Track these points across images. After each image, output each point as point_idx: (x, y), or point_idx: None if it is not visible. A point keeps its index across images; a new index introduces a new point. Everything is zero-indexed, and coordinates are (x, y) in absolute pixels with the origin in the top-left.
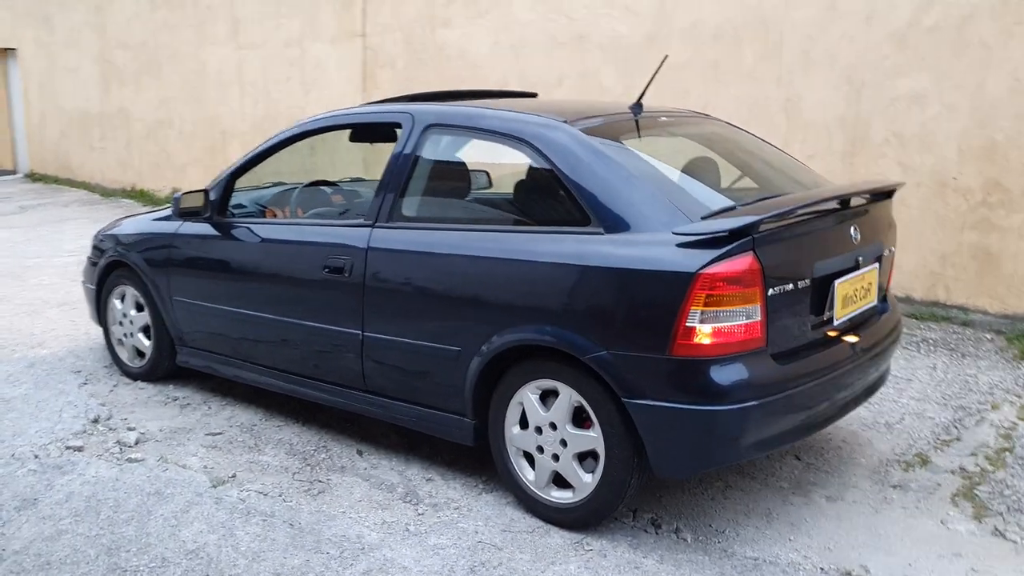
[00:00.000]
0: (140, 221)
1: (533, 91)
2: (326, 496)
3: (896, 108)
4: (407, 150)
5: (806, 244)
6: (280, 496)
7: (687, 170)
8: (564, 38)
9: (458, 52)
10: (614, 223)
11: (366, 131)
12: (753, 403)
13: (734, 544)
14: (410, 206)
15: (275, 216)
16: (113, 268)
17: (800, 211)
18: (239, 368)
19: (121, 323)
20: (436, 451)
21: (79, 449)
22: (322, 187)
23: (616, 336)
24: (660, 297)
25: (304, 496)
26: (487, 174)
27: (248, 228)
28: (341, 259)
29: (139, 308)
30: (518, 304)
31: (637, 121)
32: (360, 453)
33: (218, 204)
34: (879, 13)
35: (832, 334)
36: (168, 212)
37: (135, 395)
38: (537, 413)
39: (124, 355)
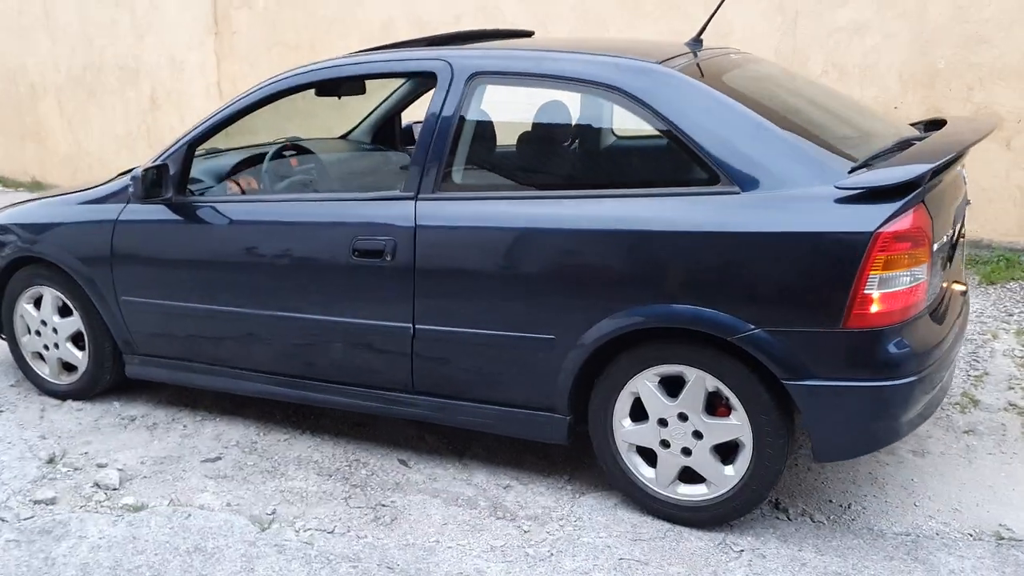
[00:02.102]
0: (57, 206)
1: (526, 29)
2: (402, 524)
3: (836, 39)
4: (449, 106)
5: (948, 192)
6: (349, 531)
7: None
8: None
9: None
10: (751, 180)
11: (344, 84)
12: (922, 373)
13: (870, 519)
14: (464, 173)
15: (241, 190)
16: (18, 266)
17: (955, 156)
18: (221, 376)
19: (39, 333)
20: (490, 451)
21: (52, 502)
22: (294, 151)
23: (772, 311)
24: (831, 263)
25: (378, 528)
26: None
27: (228, 209)
28: (378, 240)
29: (63, 313)
30: (636, 282)
31: (720, 61)
32: (404, 463)
33: (178, 180)
34: None
35: (944, 285)
36: (95, 192)
37: (77, 420)
38: (659, 403)
39: (45, 371)
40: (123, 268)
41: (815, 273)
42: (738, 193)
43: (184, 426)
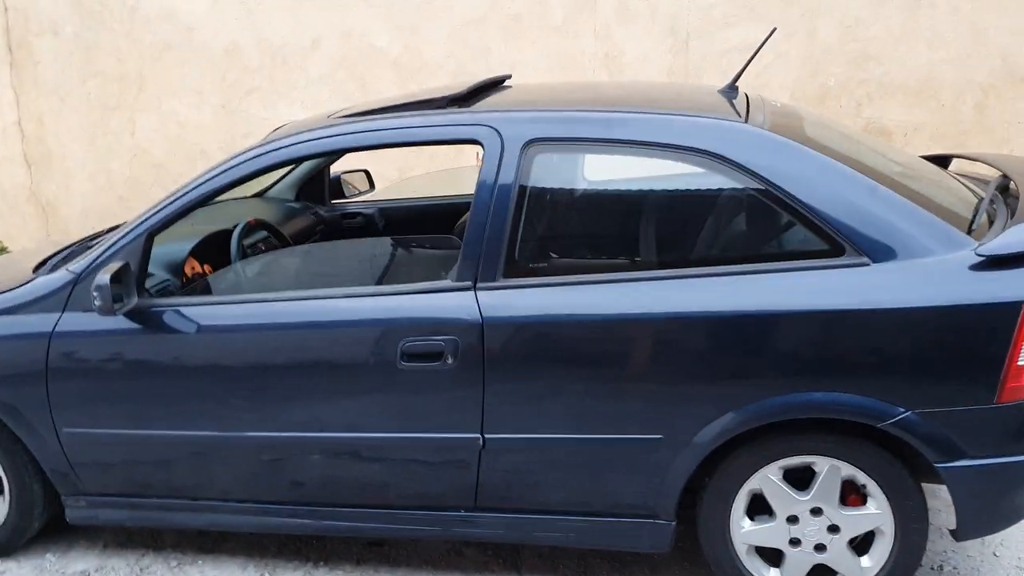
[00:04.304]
0: None
1: (501, 74)
2: None
3: (728, 59)
4: (505, 179)
5: None
6: None
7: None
8: None
9: (162, 12)
10: (881, 250)
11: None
12: None
13: None
14: (534, 256)
15: (200, 277)
16: None
17: None
18: (210, 513)
19: None
20: (545, 558)
21: None
22: (262, 231)
23: (921, 392)
24: (983, 336)
25: None
26: (366, 173)
27: (216, 313)
28: (434, 341)
29: None
30: (765, 370)
31: (782, 113)
32: None
33: (136, 280)
34: None
35: None
36: (6, 299)
37: None
38: (789, 499)
39: None
40: (65, 393)
41: (967, 347)
42: (868, 265)
43: None
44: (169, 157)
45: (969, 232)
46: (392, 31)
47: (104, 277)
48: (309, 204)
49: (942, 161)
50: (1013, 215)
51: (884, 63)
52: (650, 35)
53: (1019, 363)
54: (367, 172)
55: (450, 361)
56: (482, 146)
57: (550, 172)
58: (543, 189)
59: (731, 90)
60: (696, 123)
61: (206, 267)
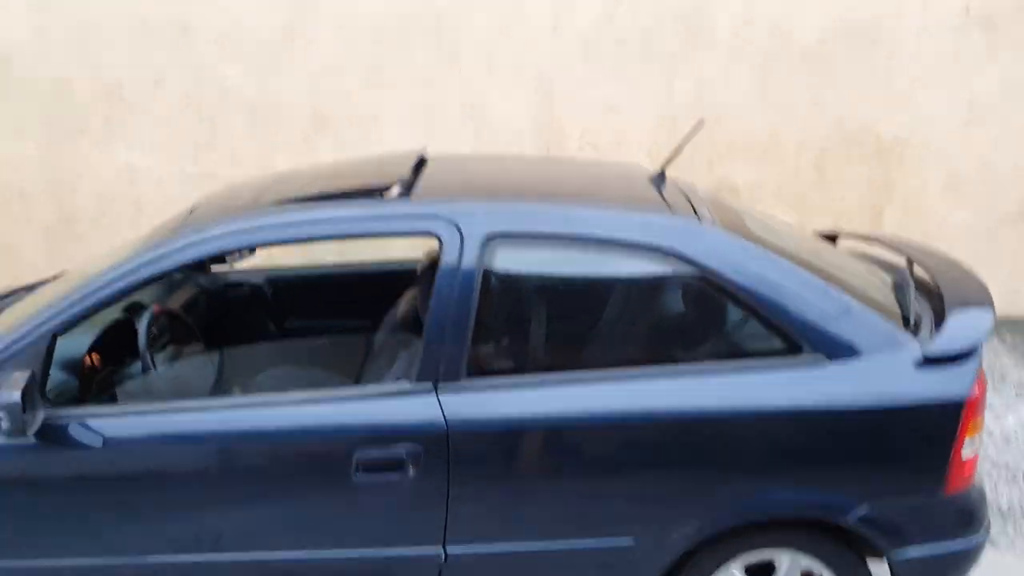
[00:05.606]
0: None
1: (417, 152)
2: None
3: (589, 116)
4: (465, 275)
5: None
6: None
7: None
8: (157, 22)
9: None
10: (837, 349)
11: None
12: (989, 525)
13: None
14: (499, 352)
15: (93, 370)
16: None
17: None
18: None
19: None
20: None
21: None
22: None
23: (879, 487)
24: (934, 432)
25: None
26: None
27: (136, 424)
28: (394, 450)
29: None
30: (735, 469)
31: (723, 208)
32: None
33: (41, 387)
34: (564, 24)
35: None
36: None
37: None
38: None
39: None
40: None
41: (918, 443)
42: (825, 364)
43: None
44: None
45: (905, 327)
46: (246, 72)
47: (14, 395)
48: (188, 272)
49: (831, 239)
50: (934, 306)
51: (733, 123)
52: (515, 89)
53: (962, 457)
54: None
55: (412, 471)
56: (440, 240)
57: (512, 267)
58: (506, 285)
59: (660, 177)
60: (655, 222)
61: (95, 356)
